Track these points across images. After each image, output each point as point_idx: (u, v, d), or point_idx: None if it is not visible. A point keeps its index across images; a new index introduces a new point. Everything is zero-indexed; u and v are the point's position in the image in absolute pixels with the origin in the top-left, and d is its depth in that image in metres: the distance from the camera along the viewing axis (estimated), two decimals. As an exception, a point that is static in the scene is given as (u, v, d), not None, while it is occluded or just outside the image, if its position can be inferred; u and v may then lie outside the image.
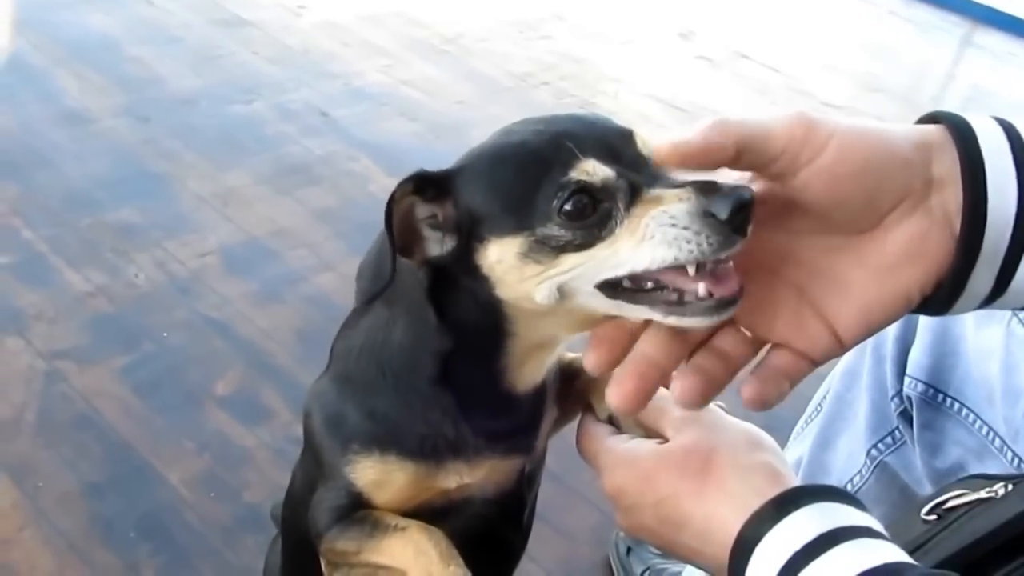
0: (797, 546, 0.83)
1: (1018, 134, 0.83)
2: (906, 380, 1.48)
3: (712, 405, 1.01)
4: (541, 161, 0.90)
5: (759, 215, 0.84)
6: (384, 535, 1.06)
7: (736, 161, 0.82)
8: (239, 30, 4.43)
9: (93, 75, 3.84)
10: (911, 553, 0.84)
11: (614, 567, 2.19)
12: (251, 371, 2.58)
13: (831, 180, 0.81)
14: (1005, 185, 0.80)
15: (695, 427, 0.98)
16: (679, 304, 0.84)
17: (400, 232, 0.96)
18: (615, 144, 0.91)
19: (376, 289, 0.96)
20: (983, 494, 1.09)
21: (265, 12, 4.65)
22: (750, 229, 0.82)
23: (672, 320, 0.85)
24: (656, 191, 0.86)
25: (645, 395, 0.86)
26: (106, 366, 2.49)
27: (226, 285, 2.86)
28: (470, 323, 1.01)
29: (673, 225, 0.83)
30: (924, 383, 1.46)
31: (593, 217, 0.87)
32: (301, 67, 4.23)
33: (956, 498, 1.10)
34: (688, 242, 0.82)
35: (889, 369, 1.52)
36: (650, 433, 1.04)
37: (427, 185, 0.96)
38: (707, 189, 0.83)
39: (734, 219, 0.80)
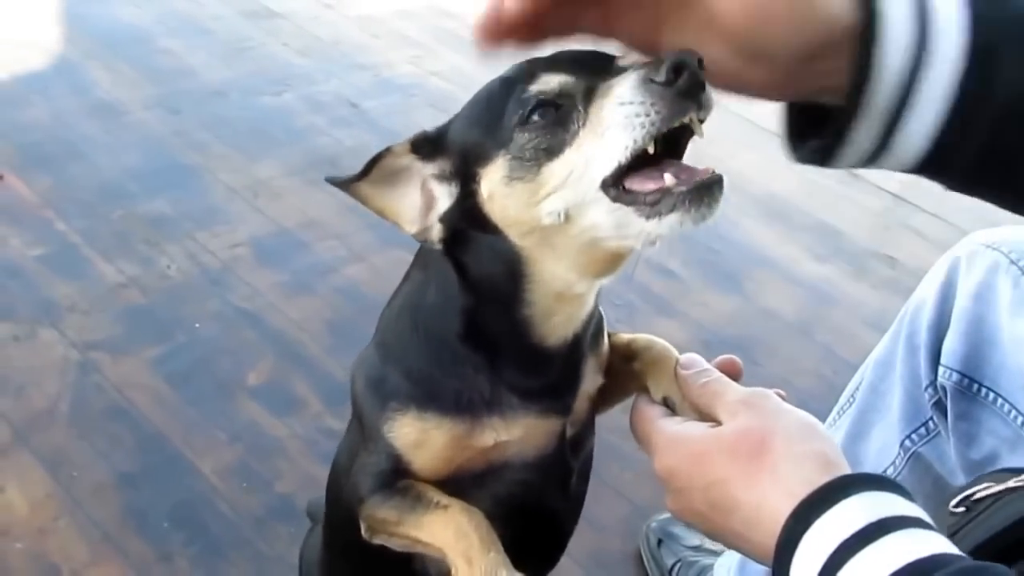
0: (847, 534, 0.82)
1: None
2: (940, 370, 1.47)
3: (768, 391, 1.01)
4: (508, 85, 0.94)
5: None
6: (426, 511, 1.06)
7: None
8: (269, 22, 4.44)
9: (125, 67, 3.86)
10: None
11: (645, 559, 2.19)
12: (282, 362, 2.59)
13: None
14: None
15: (749, 412, 0.97)
16: (656, 204, 0.85)
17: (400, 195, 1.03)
18: (588, 60, 0.94)
19: (337, 177, 1.02)
20: (1011, 483, 1.07)
21: (295, 3, 4.65)
22: (707, 97, 0.82)
23: (652, 224, 0.86)
24: (609, 83, 0.87)
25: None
26: (139, 357, 2.51)
27: (257, 276, 2.87)
28: (489, 276, 1.03)
29: (622, 104, 0.84)
30: (959, 372, 1.44)
31: (554, 117, 0.90)
32: (331, 58, 4.24)
33: (984, 490, 1.09)
34: (637, 116, 0.82)
35: (923, 359, 1.50)
36: (704, 417, 1.03)
37: (423, 144, 1.02)
38: (653, 64, 0.83)
39: (672, 79, 0.80)
